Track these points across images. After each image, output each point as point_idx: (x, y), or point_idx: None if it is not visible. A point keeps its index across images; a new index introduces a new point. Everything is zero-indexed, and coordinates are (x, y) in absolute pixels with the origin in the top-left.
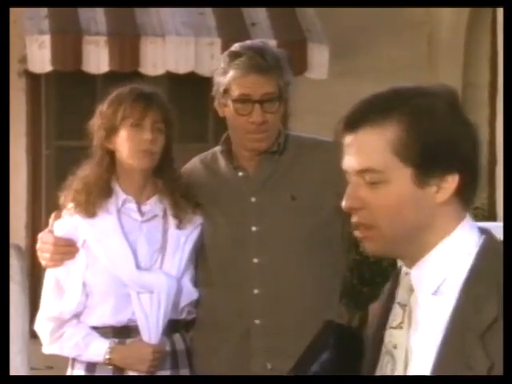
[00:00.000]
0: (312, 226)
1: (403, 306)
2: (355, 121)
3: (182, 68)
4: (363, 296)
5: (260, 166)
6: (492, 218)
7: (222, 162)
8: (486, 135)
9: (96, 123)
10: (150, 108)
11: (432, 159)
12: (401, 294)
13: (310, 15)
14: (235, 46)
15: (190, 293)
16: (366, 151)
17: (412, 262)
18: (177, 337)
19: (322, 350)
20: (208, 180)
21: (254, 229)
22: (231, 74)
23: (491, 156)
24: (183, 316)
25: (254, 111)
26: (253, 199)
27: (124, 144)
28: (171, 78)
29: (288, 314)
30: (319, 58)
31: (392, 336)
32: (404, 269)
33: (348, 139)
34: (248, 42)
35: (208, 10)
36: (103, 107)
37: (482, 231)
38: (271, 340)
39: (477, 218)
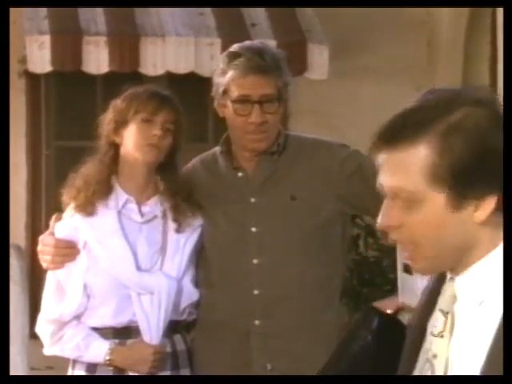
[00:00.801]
0: (312, 226)
1: (445, 313)
2: (388, 138)
3: (182, 68)
4: (363, 296)
5: (259, 166)
6: None
7: (221, 163)
8: None
9: (107, 117)
10: (163, 107)
11: (468, 183)
12: (443, 300)
13: (309, 15)
14: (234, 47)
15: (191, 294)
16: (398, 171)
17: (458, 272)
18: (177, 337)
19: (363, 332)
20: (208, 181)
21: (253, 229)
22: (230, 74)
23: None
24: (184, 317)
25: (253, 112)
26: (252, 200)
27: (132, 137)
28: (171, 79)
29: (288, 314)
30: (319, 59)
31: (432, 344)
32: (449, 274)
33: (382, 156)
34: (247, 43)
35: (208, 11)
36: (117, 102)
37: None
38: (271, 341)
39: None
